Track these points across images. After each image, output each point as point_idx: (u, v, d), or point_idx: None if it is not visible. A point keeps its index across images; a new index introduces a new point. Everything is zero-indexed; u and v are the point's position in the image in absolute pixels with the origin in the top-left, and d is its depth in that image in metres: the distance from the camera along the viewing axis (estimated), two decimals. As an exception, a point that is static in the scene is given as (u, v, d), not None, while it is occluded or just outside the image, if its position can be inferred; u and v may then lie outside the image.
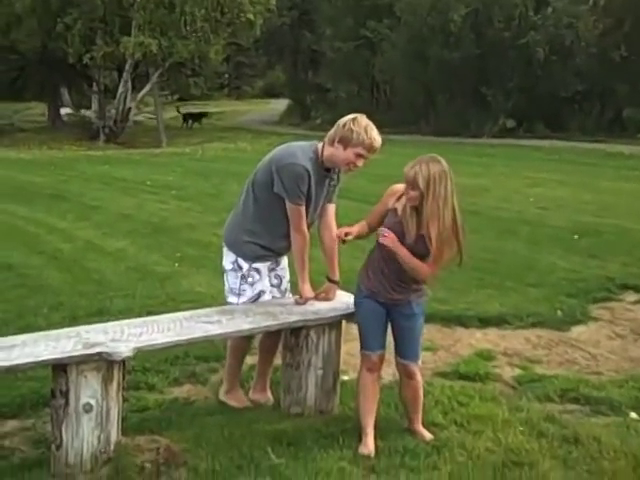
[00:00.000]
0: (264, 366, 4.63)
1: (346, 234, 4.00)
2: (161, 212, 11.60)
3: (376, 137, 4.16)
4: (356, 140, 4.12)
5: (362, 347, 4.09)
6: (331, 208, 4.47)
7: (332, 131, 4.22)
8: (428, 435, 4.07)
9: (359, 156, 4.17)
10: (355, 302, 4.13)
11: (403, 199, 3.89)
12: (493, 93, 27.81)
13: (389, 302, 3.98)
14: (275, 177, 4.21)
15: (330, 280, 4.48)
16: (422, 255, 3.84)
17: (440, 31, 28.08)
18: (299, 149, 4.27)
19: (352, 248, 8.79)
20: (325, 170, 4.28)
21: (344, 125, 4.16)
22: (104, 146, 26.94)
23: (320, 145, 4.28)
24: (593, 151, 21.55)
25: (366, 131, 4.13)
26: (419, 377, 4.13)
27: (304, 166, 4.16)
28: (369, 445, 3.91)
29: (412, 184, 3.77)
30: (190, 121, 34.93)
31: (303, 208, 4.24)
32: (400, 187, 3.95)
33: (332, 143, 4.20)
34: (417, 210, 3.82)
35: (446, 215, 3.77)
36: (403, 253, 3.84)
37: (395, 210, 3.93)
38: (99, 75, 31.13)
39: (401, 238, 3.85)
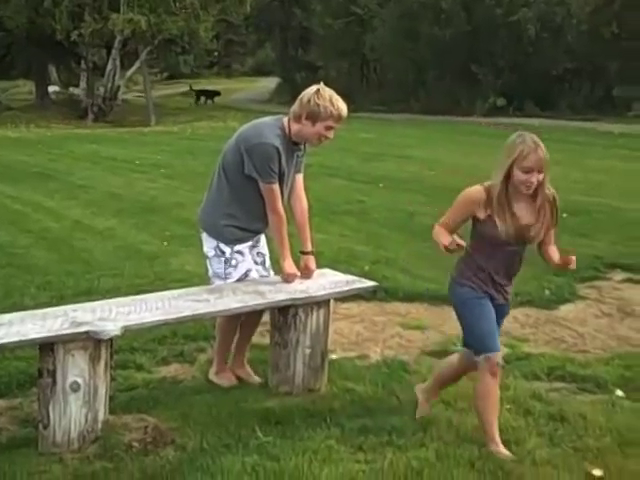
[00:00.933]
0: (242, 343, 4.63)
1: (458, 245, 3.61)
2: (150, 191, 11.56)
3: (342, 106, 4.14)
4: (324, 114, 4.10)
5: (482, 350, 3.67)
6: (299, 179, 4.46)
7: (296, 107, 4.18)
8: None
9: (329, 128, 4.17)
10: (467, 302, 3.74)
11: (494, 205, 3.59)
12: (484, 71, 27.76)
13: (502, 303, 3.80)
14: (245, 159, 4.18)
15: (304, 253, 4.47)
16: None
17: (431, 8, 27.98)
18: (266, 127, 4.23)
19: (341, 227, 8.86)
20: (293, 144, 4.26)
21: (309, 100, 4.12)
22: (93, 125, 26.80)
23: (285, 120, 4.25)
24: (583, 130, 21.55)
25: (332, 103, 4.11)
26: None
27: (273, 144, 4.14)
28: (505, 452, 3.67)
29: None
30: (203, 98, 35.21)
31: (277, 186, 4.22)
32: (479, 192, 3.64)
33: (299, 119, 4.16)
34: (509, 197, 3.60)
35: None
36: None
37: (491, 220, 3.61)
38: (87, 52, 30.90)
39: (501, 244, 3.65)
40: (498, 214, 3.62)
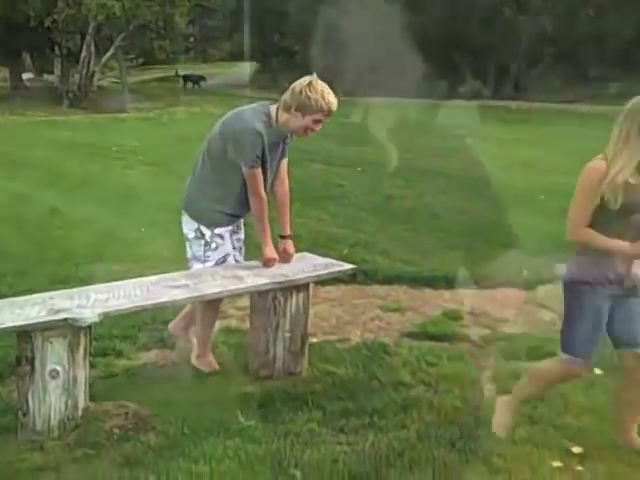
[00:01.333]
0: (192, 314, 4.64)
1: None
2: (127, 177, 11.48)
3: (333, 100, 4.11)
4: (315, 107, 4.07)
5: (572, 352, 3.49)
6: (283, 162, 4.45)
7: (287, 96, 4.14)
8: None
9: (317, 122, 4.14)
10: (584, 304, 3.49)
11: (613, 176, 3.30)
12: (461, 55, 27.79)
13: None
14: (228, 143, 4.17)
15: (283, 237, 4.48)
16: None
17: (408, -9, 27.93)
18: (250, 112, 4.21)
19: (320, 211, 8.85)
20: (278, 131, 4.24)
21: (300, 92, 4.08)
22: (68, 111, 26.50)
23: (273, 107, 4.22)
24: (559, 112, 21.67)
25: (323, 97, 4.07)
26: None
27: (256, 129, 4.11)
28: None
29: None
30: (190, 83, 35.39)
31: (259, 171, 4.20)
32: (603, 166, 3.35)
33: (288, 110, 4.14)
34: None
35: None
36: None
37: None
38: (61, 39, 30.52)
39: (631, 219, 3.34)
40: (620, 187, 3.29)
